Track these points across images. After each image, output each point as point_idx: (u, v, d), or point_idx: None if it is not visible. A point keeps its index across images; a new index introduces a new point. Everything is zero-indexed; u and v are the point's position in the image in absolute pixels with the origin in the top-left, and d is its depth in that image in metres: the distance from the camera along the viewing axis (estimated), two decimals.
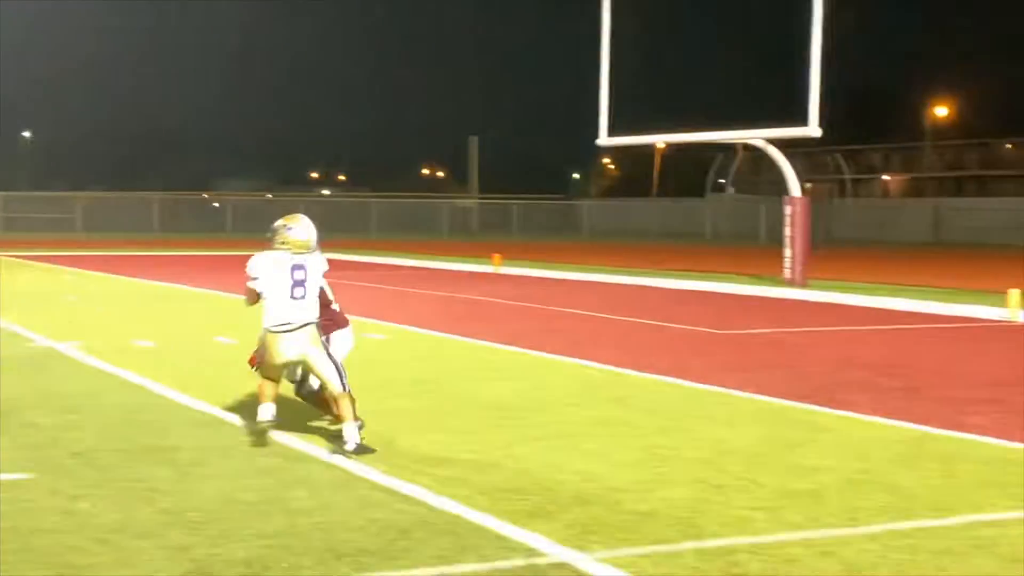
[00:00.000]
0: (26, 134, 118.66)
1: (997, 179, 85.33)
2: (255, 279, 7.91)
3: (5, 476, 6.88)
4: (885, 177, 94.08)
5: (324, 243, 8.35)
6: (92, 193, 73.89)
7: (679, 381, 11.16)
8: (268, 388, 7.96)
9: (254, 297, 7.99)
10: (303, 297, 7.87)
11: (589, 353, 13.27)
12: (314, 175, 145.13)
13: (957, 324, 18.01)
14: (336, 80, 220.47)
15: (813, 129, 24.32)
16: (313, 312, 7.92)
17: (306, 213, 8.47)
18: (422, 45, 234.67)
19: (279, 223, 8.03)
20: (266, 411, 7.84)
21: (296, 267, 7.88)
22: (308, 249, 7.92)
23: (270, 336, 7.91)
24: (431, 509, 6.23)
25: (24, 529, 5.79)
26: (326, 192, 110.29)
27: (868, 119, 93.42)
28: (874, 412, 9.59)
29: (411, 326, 15.92)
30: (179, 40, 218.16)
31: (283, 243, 7.94)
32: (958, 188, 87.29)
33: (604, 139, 29.34)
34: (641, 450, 7.96)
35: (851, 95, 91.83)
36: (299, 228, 7.98)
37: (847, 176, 75.73)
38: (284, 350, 7.86)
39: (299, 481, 6.84)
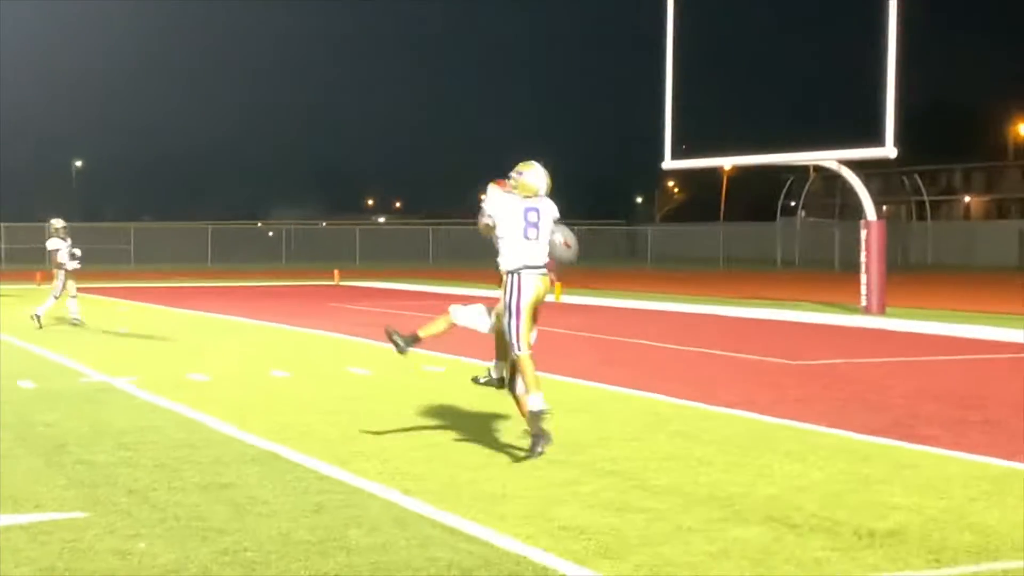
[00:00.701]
0: (78, 163, 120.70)
1: None
2: (489, 215, 8.71)
3: (60, 515, 7.01)
4: (966, 198, 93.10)
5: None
6: (144, 224, 75.05)
7: (749, 415, 11.11)
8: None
9: (488, 229, 8.75)
10: (536, 239, 8.66)
11: (654, 385, 13.25)
12: (369, 202, 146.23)
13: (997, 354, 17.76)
14: (391, 104, 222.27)
15: (889, 149, 24.17)
16: (543, 256, 8.68)
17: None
18: (479, 65, 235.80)
19: (514, 170, 8.73)
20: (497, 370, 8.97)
21: (529, 209, 8.63)
22: (537, 194, 8.69)
23: (527, 273, 8.60)
24: (494, 548, 6.27)
25: (80, 571, 5.89)
26: (381, 220, 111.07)
27: (948, 137, 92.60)
28: (955, 447, 9.51)
29: (469, 357, 15.99)
30: (230, 66, 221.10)
31: (514, 187, 8.73)
32: None
33: (669, 162, 29.34)
34: (711, 487, 7.94)
35: (929, 112, 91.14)
36: (530, 174, 8.72)
37: (926, 198, 75.02)
38: (539, 286, 8.61)
39: (356, 519, 6.91)
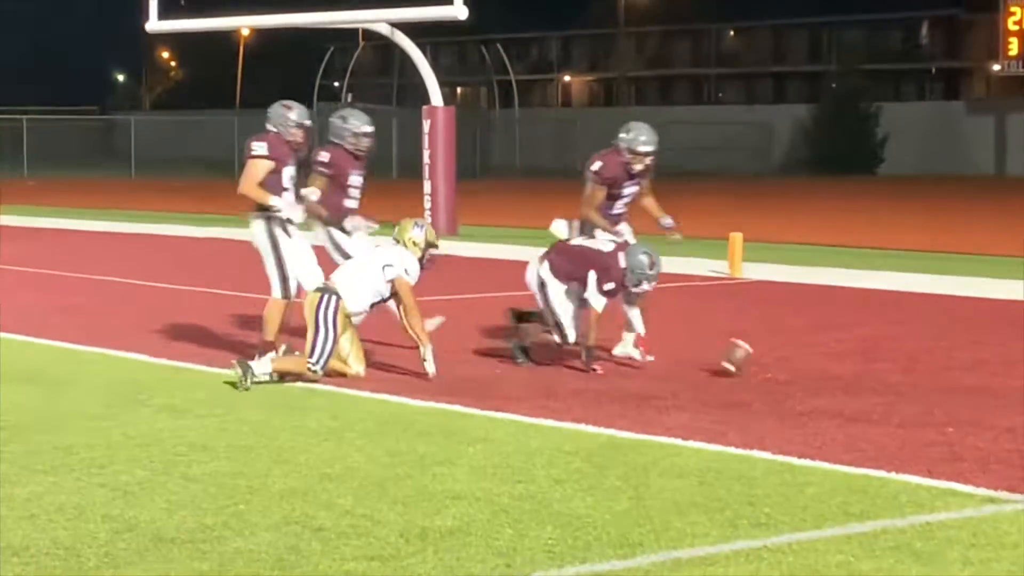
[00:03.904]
0: None
1: (714, 79, 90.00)
2: None
3: None
4: (566, 78, 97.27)
5: None
6: None
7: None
8: None
9: None
10: None
11: (133, 342, 13.21)
12: None
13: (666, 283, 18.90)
14: None
15: (458, 8, 24.82)
16: None
17: None
18: None
19: None
20: None
21: None
22: None
23: None
24: None
25: None
26: None
27: None
28: (540, 413, 9.97)
29: None
30: None
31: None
32: (664, 92, 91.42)
33: (156, 23, 28.88)
34: (207, 480, 7.95)
35: None
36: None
37: (512, 76, 77.82)
38: None
39: None
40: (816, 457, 8.58)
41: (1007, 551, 6.72)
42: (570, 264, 11.85)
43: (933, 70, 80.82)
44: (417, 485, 7.92)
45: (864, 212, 36.17)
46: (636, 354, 12.06)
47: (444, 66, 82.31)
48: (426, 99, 27.99)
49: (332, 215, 12.33)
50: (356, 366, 11.36)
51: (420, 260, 11.44)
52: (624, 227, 12.70)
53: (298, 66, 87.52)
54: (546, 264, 11.90)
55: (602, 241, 12.13)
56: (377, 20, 27.98)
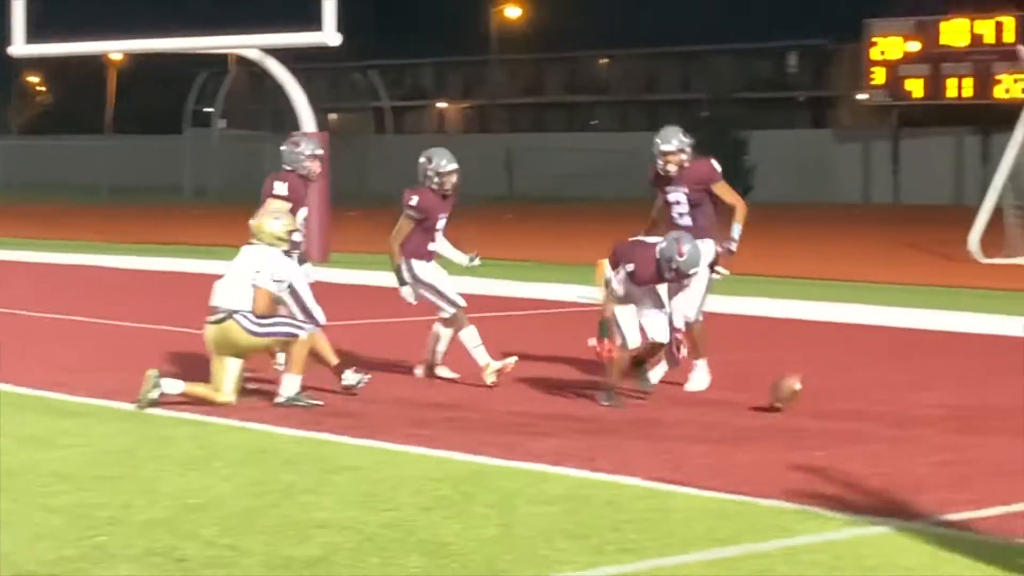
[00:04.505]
0: None
1: (588, 106, 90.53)
2: None
3: None
4: (441, 105, 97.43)
5: None
6: None
7: (128, 407, 11.10)
8: None
9: None
10: None
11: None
12: None
13: (532, 310, 18.96)
14: None
15: (329, 35, 24.74)
16: None
17: None
18: None
19: None
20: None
21: None
22: None
23: None
24: None
25: None
26: None
27: (414, 23, 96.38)
28: (409, 440, 9.96)
29: None
30: None
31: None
32: (538, 119, 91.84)
33: (22, 47, 28.52)
34: (67, 512, 7.84)
35: None
36: None
37: (386, 103, 77.74)
38: None
39: None
40: (682, 482, 8.63)
41: (868, 574, 6.79)
42: (622, 254, 11.69)
43: (801, 99, 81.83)
44: (283, 514, 7.87)
45: None
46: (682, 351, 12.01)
47: (318, 92, 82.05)
48: (297, 124, 27.86)
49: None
50: (227, 395, 11.24)
51: (287, 253, 11.41)
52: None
53: (170, 91, 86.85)
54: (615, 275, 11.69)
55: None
56: (247, 46, 27.80)
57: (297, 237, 11.79)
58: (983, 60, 49.06)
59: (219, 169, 69.25)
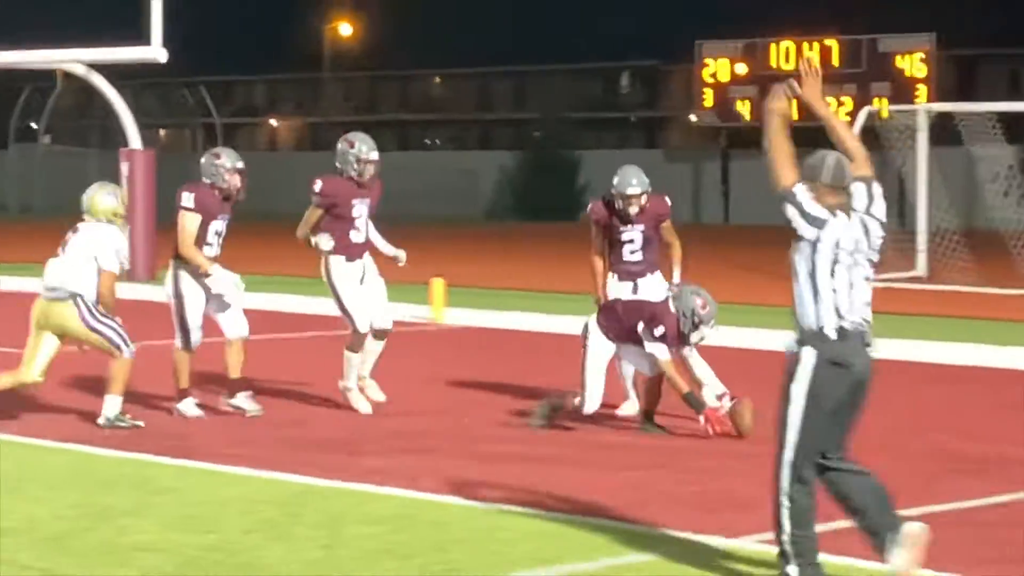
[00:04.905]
0: None
1: (421, 125, 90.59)
2: None
3: None
4: (272, 121, 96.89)
5: None
6: None
7: None
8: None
9: None
10: None
11: None
12: None
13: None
14: None
15: (156, 50, 24.45)
16: None
17: None
18: None
19: None
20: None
21: None
22: None
23: None
24: None
25: None
26: None
27: (246, 39, 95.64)
28: (233, 461, 9.84)
29: None
30: None
31: None
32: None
33: None
34: None
35: (237, 7, 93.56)
36: None
37: (216, 119, 77.06)
38: None
39: None
40: (508, 501, 8.62)
41: None
42: (617, 321, 11.10)
43: (633, 119, 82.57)
44: (102, 538, 7.74)
45: (565, 258, 36.62)
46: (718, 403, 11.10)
47: (147, 108, 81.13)
48: (124, 141, 27.50)
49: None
50: (36, 374, 10.93)
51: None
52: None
53: None
54: (594, 318, 11.25)
55: (650, 292, 11.62)
56: (71, 61, 27.36)
57: (209, 252, 11.59)
58: None
59: (44, 185, 68.19)
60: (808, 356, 6.77)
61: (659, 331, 10.80)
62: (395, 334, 18.28)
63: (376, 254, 12.22)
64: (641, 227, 11.98)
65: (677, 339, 10.90)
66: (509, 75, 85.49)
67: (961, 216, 28.31)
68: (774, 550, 6.83)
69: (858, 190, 6.98)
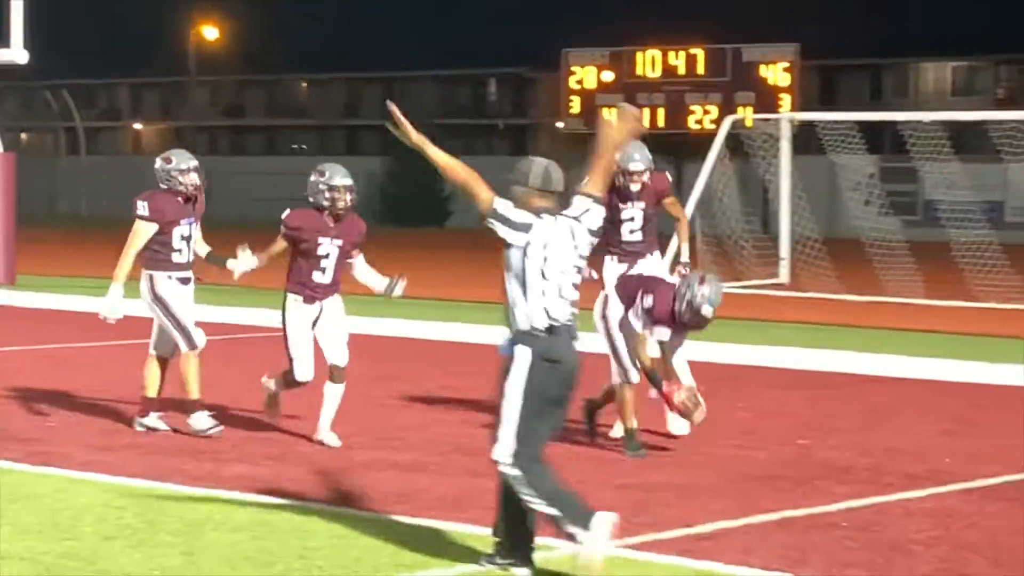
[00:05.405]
0: None
1: (289, 130, 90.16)
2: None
3: None
4: (137, 125, 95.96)
5: None
6: None
7: None
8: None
9: None
10: None
11: None
12: None
13: (221, 335, 18.73)
14: None
15: (17, 53, 24.13)
16: None
17: None
18: None
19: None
20: None
21: None
22: None
23: None
24: None
25: None
26: None
27: (112, 41, 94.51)
28: (92, 467, 9.73)
29: None
30: None
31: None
32: (238, 142, 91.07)
33: None
34: None
35: (97, 7, 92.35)
36: None
37: (79, 123, 76.21)
38: None
39: None
40: (371, 507, 8.60)
41: None
42: (631, 288, 10.80)
43: (501, 125, 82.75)
44: None
45: (433, 263, 36.65)
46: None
47: (8, 111, 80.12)
48: None
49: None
50: None
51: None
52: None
53: None
54: (609, 292, 10.96)
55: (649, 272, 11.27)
56: None
57: (179, 258, 11.28)
58: (676, 91, 50.18)
59: None
60: (523, 354, 7.13)
61: (647, 302, 10.54)
62: (257, 340, 18.27)
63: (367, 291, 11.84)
64: (642, 205, 11.59)
65: (670, 318, 10.48)
66: (376, 80, 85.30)
67: (823, 224, 28.62)
68: (631, 553, 6.86)
69: (578, 202, 7.41)
